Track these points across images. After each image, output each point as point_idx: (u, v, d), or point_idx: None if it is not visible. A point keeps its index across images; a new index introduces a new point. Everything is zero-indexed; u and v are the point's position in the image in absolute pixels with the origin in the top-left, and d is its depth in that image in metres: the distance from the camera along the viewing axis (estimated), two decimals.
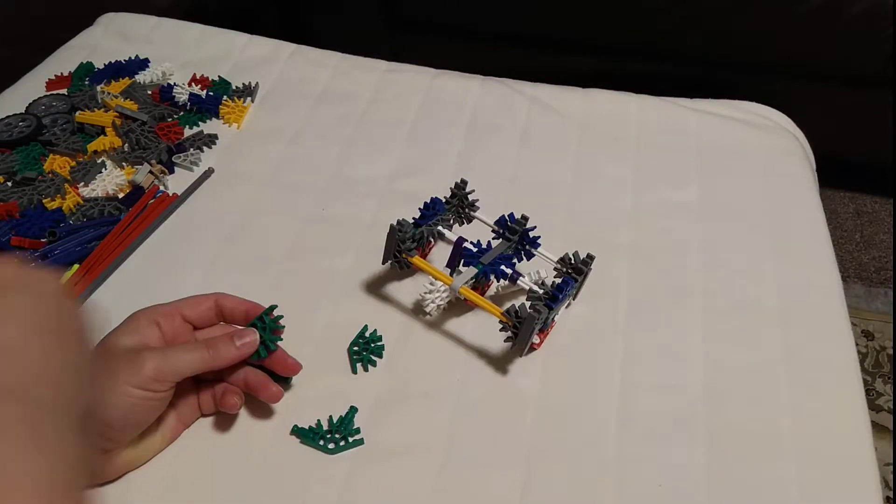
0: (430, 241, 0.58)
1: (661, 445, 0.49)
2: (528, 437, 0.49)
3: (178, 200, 0.65)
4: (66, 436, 0.28)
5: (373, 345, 0.53)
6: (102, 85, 0.76)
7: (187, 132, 0.73)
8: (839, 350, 0.55)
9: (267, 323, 0.46)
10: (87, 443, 0.30)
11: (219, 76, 0.79)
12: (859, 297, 1.32)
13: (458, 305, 0.57)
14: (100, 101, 0.73)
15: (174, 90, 0.75)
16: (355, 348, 0.53)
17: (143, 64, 0.80)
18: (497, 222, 0.56)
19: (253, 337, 0.45)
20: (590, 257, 0.53)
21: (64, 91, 0.76)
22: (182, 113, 0.75)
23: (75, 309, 0.33)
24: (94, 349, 0.42)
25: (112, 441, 0.41)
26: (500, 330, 0.51)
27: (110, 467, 0.43)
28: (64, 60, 0.81)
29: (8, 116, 0.71)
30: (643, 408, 0.51)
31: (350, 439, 0.48)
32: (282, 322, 0.47)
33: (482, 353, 0.54)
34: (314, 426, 0.48)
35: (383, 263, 0.55)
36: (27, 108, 0.73)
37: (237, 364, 0.46)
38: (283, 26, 1.53)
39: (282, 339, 0.47)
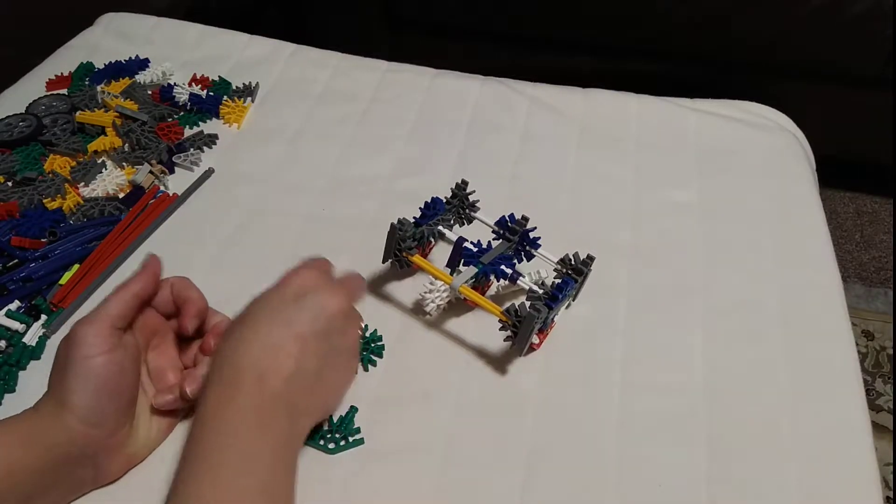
0: (431, 241, 0.58)
1: (661, 445, 0.49)
2: (528, 437, 0.49)
3: (179, 200, 0.65)
4: (290, 428, 0.40)
5: (373, 345, 0.53)
6: (102, 85, 0.76)
7: (187, 132, 0.73)
8: (839, 350, 0.55)
9: None
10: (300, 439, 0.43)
11: (219, 76, 0.79)
12: (859, 297, 1.32)
13: (458, 305, 0.57)
14: (100, 101, 0.73)
15: (174, 90, 0.75)
16: None
17: (143, 64, 0.80)
18: (497, 223, 0.56)
19: (153, 259, 0.47)
20: (590, 258, 0.53)
21: (64, 91, 0.76)
22: (182, 113, 0.75)
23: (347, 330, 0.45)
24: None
25: (102, 425, 0.41)
26: (500, 329, 0.51)
27: (114, 465, 0.43)
28: (64, 60, 0.81)
29: (8, 116, 0.71)
30: (643, 408, 0.51)
31: (350, 439, 0.48)
32: None
33: (482, 353, 0.54)
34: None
35: (383, 262, 0.55)
36: (27, 108, 0.73)
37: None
38: (284, 26, 1.53)
39: None
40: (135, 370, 0.43)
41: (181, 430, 0.47)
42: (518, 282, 0.53)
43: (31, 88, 0.76)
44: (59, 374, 0.41)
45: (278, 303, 0.43)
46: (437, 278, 0.53)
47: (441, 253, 0.59)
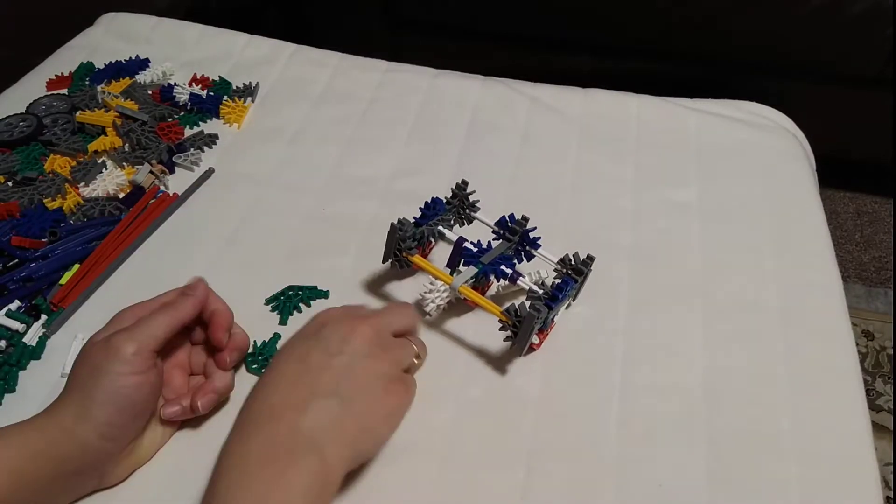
0: (431, 242, 0.58)
1: (661, 445, 0.49)
2: (528, 437, 0.49)
3: (179, 200, 0.65)
4: (319, 465, 0.37)
5: None
6: (103, 85, 0.76)
7: (188, 132, 0.73)
8: (839, 350, 0.55)
9: None
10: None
11: (219, 76, 0.79)
12: (859, 297, 1.32)
13: (458, 305, 0.57)
14: (100, 101, 0.73)
15: (174, 90, 0.75)
16: None
17: (143, 64, 0.81)
18: (497, 223, 0.56)
19: (200, 284, 0.46)
20: (590, 258, 0.53)
21: (64, 91, 0.76)
22: (182, 113, 0.75)
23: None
24: (82, 355, 0.42)
25: (118, 441, 0.41)
26: (500, 329, 0.51)
27: (120, 469, 0.43)
28: (64, 60, 0.81)
29: (8, 116, 0.71)
30: (643, 408, 0.51)
31: None
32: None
33: (482, 353, 0.54)
34: None
35: (383, 262, 0.55)
36: (28, 108, 0.73)
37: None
38: (284, 26, 1.53)
39: None
40: (159, 390, 0.44)
41: (185, 433, 0.48)
42: (518, 282, 0.53)
43: (31, 88, 0.76)
44: (86, 380, 0.40)
45: (297, 340, 0.43)
46: (437, 278, 0.53)
47: (441, 253, 0.59)
